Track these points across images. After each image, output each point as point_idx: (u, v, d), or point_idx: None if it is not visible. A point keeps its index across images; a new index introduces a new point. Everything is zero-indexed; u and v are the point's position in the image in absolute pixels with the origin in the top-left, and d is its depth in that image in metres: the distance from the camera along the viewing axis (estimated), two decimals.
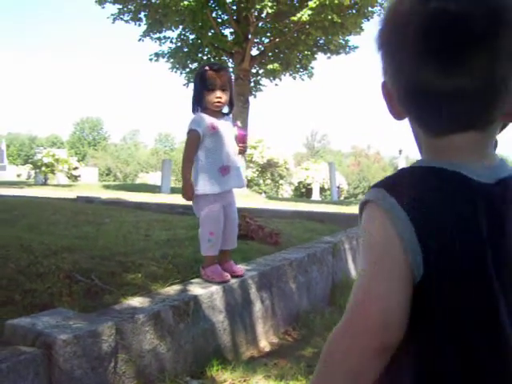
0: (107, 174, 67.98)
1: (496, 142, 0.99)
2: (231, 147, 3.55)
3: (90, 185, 25.83)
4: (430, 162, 0.94)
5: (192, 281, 3.43)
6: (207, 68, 3.51)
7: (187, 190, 3.40)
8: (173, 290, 3.18)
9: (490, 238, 0.88)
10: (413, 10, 0.88)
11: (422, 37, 0.87)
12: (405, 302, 0.85)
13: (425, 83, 0.90)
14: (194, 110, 3.54)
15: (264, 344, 3.68)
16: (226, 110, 3.62)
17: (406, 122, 1.03)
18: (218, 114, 3.54)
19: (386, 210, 0.88)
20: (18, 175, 32.89)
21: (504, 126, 0.98)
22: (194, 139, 3.43)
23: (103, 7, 18.82)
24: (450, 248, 0.86)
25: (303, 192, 33.02)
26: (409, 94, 0.94)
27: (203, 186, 3.41)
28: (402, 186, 0.91)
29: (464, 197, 0.89)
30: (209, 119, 3.46)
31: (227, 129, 3.56)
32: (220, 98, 3.46)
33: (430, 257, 0.85)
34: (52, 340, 2.14)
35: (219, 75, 3.46)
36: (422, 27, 0.87)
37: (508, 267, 0.90)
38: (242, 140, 3.64)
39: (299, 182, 33.15)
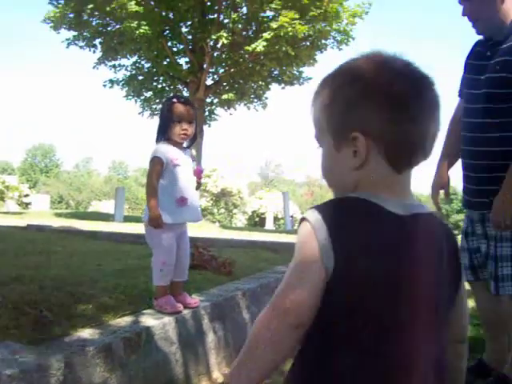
0: (59, 202, 66.95)
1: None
2: (190, 181, 3.57)
3: (41, 212, 25.38)
4: (356, 193, 1.20)
5: (144, 312, 3.39)
6: (175, 100, 3.54)
7: (155, 218, 3.37)
8: (124, 321, 3.13)
9: (393, 254, 1.14)
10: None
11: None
12: (315, 292, 1.12)
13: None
14: (158, 140, 3.54)
15: (217, 375, 3.64)
16: (186, 144, 3.64)
17: None
18: (180, 146, 3.56)
19: (313, 225, 1.14)
20: None
21: None
22: (159, 166, 3.43)
23: (58, 33, 18.74)
24: (354, 257, 1.11)
25: (257, 221, 33.13)
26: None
27: None
28: (331, 208, 1.18)
29: (376, 219, 1.16)
30: (172, 151, 3.48)
31: (187, 162, 3.58)
32: (186, 130, 3.49)
33: (339, 262, 1.11)
34: None
35: (186, 108, 3.51)
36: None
37: (410, 280, 1.14)
38: (199, 175, 3.67)
39: (253, 211, 33.26)
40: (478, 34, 3.23)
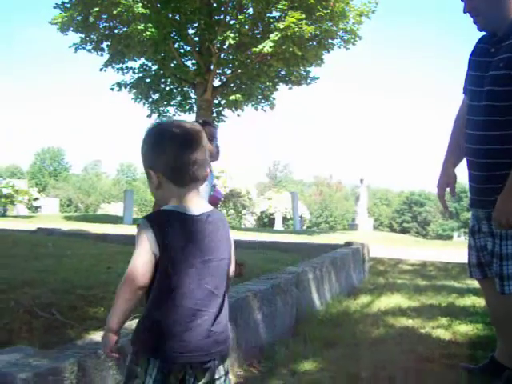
0: (68, 205, 67.21)
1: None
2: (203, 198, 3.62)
3: (50, 216, 25.49)
4: (168, 206, 1.98)
5: None
6: (201, 122, 3.76)
7: None
8: (136, 323, 3.13)
9: (193, 239, 1.95)
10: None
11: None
12: (149, 267, 1.88)
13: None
14: None
15: (229, 376, 3.63)
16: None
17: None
18: None
19: (144, 227, 1.90)
20: None
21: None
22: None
23: (66, 34, 18.80)
24: (168, 244, 1.88)
25: (266, 222, 33.12)
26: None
27: None
28: (153, 216, 1.99)
29: (178, 220, 1.94)
30: None
31: (205, 189, 3.63)
32: (213, 148, 3.65)
33: (160, 248, 1.88)
34: (10, 380, 2.08)
35: (214, 130, 3.64)
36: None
37: (204, 257, 1.95)
38: (214, 203, 3.72)
39: (262, 212, 33.26)
40: (480, 30, 3.21)
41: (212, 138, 3.64)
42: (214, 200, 3.79)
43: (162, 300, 1.91)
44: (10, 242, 6.88)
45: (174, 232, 1.91)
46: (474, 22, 3.17)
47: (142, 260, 1.87)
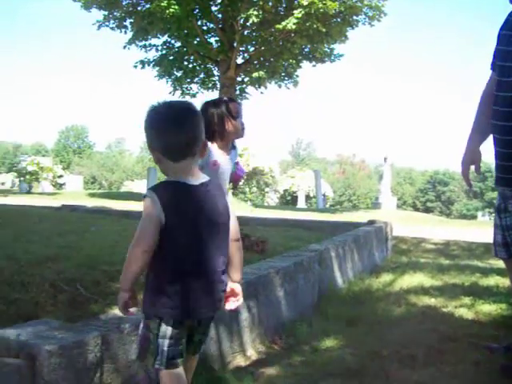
0: (92, 183, 67.68)
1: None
2: (225, 185, 3.65)
3: (74, 193, 25.72)
4: (171, 177, 2.24)
5: None
6: (227, 99, 3.74)
7: None
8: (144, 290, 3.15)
9: (195, 206, 2.19)
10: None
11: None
12: (155, 231, 2.10)
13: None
14: (210, 139, 3.62)
15: (251, 353, 3.66)
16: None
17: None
18: (227, 146, 3.64)
19: (149, 196, 2.12)
20: (2, 183, 32.71)
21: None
22: None
23: (89, 11, 18.77)
24: (173, 211, 2.12)
25: (289, 200, 33.08)
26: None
27: None
28: (158, 187, 2.20)
29: (180, 189, 2.18)
30: (216, 154, 3.59)
31: (227, 166, 3.70)
32: (243, 124, 3.70)
33: (166, 215, 2.10)
34: (37, 351, 2.12)
35: (240, 106, 3.69)
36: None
37: (205, 221, 2.20)
38: (237, 181, 3.75)
39: (285, 190, 33.21)
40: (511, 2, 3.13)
41: (237, 115, 3.64)
42: (236, 177, 3.79)
43: (170, 262, 2.16)
44: (35, 219, 6.96)
45: (177, 199, 2.16)
46: None
47: (149, 225, 2.12)
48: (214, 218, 2.25)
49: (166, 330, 2.15)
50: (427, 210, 60.01)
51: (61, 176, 28.47)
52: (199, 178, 2.26)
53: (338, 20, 17.98)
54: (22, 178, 26.31)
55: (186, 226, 2.17)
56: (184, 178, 2.20)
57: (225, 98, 3.75)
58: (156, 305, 2.15)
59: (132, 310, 2.23)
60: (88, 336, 2.36)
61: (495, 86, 3.14)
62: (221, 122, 3.63)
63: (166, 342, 2.16)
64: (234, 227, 2.43)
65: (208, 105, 3.75)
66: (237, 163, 3.81)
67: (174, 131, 2.18)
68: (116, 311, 2.82)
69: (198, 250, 2.20)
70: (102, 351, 2.41)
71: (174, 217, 2.13)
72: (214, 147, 3.61)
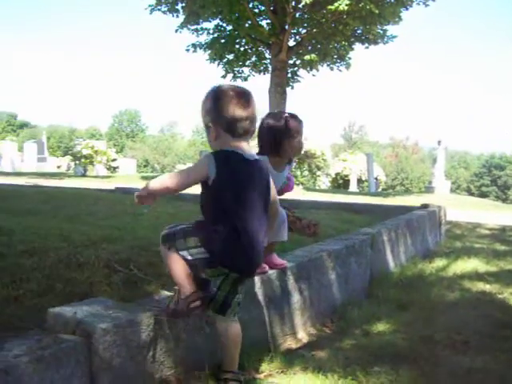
0: (145, 166, 68.65)
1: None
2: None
3: (128, 176, 26.13)
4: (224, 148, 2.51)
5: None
6: (288, 115, 3.47)
7: None
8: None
9: (247, 176, 2.50)
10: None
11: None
12: (191, 182, 2.51)
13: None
14: (262, 154, 3.39)
15: (302, 335, 3.67)
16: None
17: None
18: (284, 162, 3.52)
19: (206, 156, 2.47)
20: (58, 166, 33.41)
21: None
22: None
23: None
24: (226, 173, 2.44)
25: (341, 183, 32.80)
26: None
27: None
28: (217, 153, 2.49)
29: (236, 158, 2.47)
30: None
31: (277, 184, 3.53)
32: (302, 144, 3.52)
33: (218, 174, 2.42)
34: (92, 329, 2.17)
35: (302, 124, 3.49)
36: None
37: (253, 192, 2.51)
38: (281, 194, 3.62)
39: (336, 174, 32.92)
40: None
41: (297, 133, 3.46)
42: (282, 191, 3.67)
43: (227, 221, 2.46)
44: (90, 201, 7.10)
45: (231, 166, 2.46)
46: None
47: (191, 174, 2.51)
48: (261, 192, 2.57)
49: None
50: (482, 195, 58.83)
51: (114, 159, 28.93)
52: (251, 153, 2.55)
53: (392, 0, 17.64)
54: (77, 162, 26.87)
55: (240, 193, 2.47)
56: (239, 150, 2.50)
57: (286, 114, 3.54)
58: (218, 254, 2.49)
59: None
60: (141, 315, 2.41)
61: None
62: (274, 139, 3.42)
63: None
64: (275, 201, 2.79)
65: (267, 116, 3.58)
66: (289, 179, 3.68)
67: (242, 107, 2.47)
68: (169, 292, 2.85)
69: (243, 217, 2.48)
70: (154, 330, 2.44)
71: (227, 181, 2.45)
72: (267, 161, 3.43)
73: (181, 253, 2.54)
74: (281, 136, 3.40)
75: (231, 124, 2.47)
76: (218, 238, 2.45)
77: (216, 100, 2.50)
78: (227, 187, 2.45)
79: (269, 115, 3.61)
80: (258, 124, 2.58)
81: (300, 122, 3.48)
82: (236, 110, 2.46)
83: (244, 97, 2.50)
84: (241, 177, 2.49)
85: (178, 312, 2.51)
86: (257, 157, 2.58)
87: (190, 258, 2.53)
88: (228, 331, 2.62)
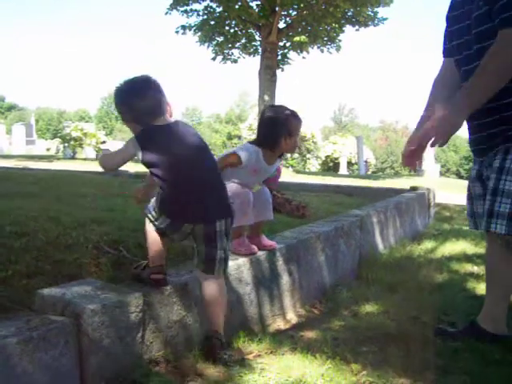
0: None
1: None
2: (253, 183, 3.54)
3: None
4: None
5: None
6: (290, 113, 3.40)
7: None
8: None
9: (164, 138, 2.64)
10: None
11: None
12: (121, 162, 2.73)
13: None
14: (256, 145, 3.42)
15: (291, 316, 3.69)
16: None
17: None
18: (274, 157, 3.47)
19: (131, 139, 2.68)
20: (47, 149, 33.24)
21: None
22: (233, 162, 3.36)
23: None
24: (148, 147, 2.61)
25: (330, 166, 32.86)
26: None
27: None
28: (137, 134, 2.69)
29: (152, 128, 2.68)
30: (258, 162, 3.38)
31: (264, 175, 3.54)
32: (298, 143, 3.47)
33: (143, 150, 2.60)
34: (81, 309, 2.17)
35: (301, 124, 3.43)
36: None
37: (177, 146, 2.63)
38: (268, 183, 3.61)
39: (326, 156, 32.96)
40: None
41: (296, 132, 3.41)
42: (269, 181, 3.65)
43: (167, 186, 2.64)
44: (79, 183, 7.07)
45: (153, 137, 2.63)
46: None
47: (120, 154, 2.72)
48: (191, 145, 2.71)
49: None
50: None
51: (104, 142, 28.75)
52: (167, 121, 2.71)
53: None
54: (66, 144, 26.69)
55: (161, 155, 2.60)
56: (157, 123, 2.68)
57: (288, 111, 3.48)
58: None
59: None
60: (130, 296, 2.41)
61: (459, 63, 3.07)
62: (271, 133, 3.38)
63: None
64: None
65: (269, 109, 3.55)
66: (277, 169, 3.66)
67: (139, 100, 2.65)
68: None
69: (180, 174, 2.64)
70: (143, 311, 2.45)
71: (152, 150, 2.60)
72: (260, 153, 3.39)
73: (153, 225, 2.75)
74: (278, 132, 3.35)
75: (138, 118, 2.69)
76: (169, 201, 2.66)
77: (118, 102, 2.77)
78: (152, 156, 2.60)
79: (271, 108, 3.58)
80: (163, 102, 2.74)
81: (300, 121, 3.44)
82: (136, 105, 2.66)
83: (140, 90, 2.73)
84: (161, 140, 2.64)
85: (140, 278, 2.72)
86: (172, 120, 2.77)
87: (162, 226, 2.72)
88: (205, 289, 2.70)
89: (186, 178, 2.62)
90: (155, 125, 2.64)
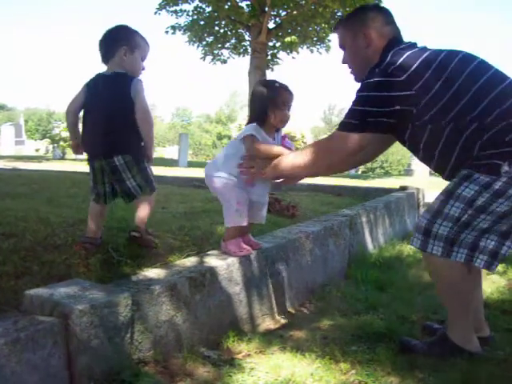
0: None
1: None
2: None
3: None
4: None
5: (209, 252, 3.43)
6: (278, 85, 3.37)
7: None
8: (189, 261, 3.18)
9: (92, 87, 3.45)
10: None
11: None
12: (76, 105, 3.46)
13: None
14: (252, 122, 3.38)
15: (280, 316, 3.68)
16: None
17: None
18: (273, 130, 3.44)
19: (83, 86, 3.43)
20: (37, 150, 32.96)
21: None
22: (258, 142, 3.32)
23: None
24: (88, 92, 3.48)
25: None
26: None
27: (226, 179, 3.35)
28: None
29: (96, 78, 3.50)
30: (263, 136, 3.35)
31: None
32: (288, 116, 3.41)
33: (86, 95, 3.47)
34: (69, 310, 2.16)
35: (291, 97, 3.40)
36: None
37: (94, 96, 3.41)
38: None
39: None
40: (356, 81, 3.14)
41: (287, 106, 3.39)
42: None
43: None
44: (68, 184, 7.04)
45: (91, 85, 3.43)
46: (351, 73, 3.23)
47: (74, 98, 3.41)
48: (104, 97, 3.34)
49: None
50: None
51: None
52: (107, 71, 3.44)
53: None
54: (55, 145, 26.55)
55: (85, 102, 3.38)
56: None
57: (278, 84, 3.45)
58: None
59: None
60: (118, 296, 2.40)
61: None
62: (260, 106, 3.35)
63: None
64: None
65: (260, 83, 3.51)
66: (283, 137, 3.62)
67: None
68: (146, 273, 2.85)
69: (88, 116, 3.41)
70: (132, 311, 2.44)
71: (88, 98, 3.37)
72: (258, 127, 3.35)
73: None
74: (267, 104, 3.31)
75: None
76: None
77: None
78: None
79: (261, 82, 3.54)
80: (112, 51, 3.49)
81: (290, 93, 3.39)
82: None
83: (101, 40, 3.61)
84: (91, 89, 3.40)
85: (79, 246, 3.20)
86: (110, 72, 3.47)
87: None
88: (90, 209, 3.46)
89: (88, 120, 3.42)
90: (98, 73, 3.45)
